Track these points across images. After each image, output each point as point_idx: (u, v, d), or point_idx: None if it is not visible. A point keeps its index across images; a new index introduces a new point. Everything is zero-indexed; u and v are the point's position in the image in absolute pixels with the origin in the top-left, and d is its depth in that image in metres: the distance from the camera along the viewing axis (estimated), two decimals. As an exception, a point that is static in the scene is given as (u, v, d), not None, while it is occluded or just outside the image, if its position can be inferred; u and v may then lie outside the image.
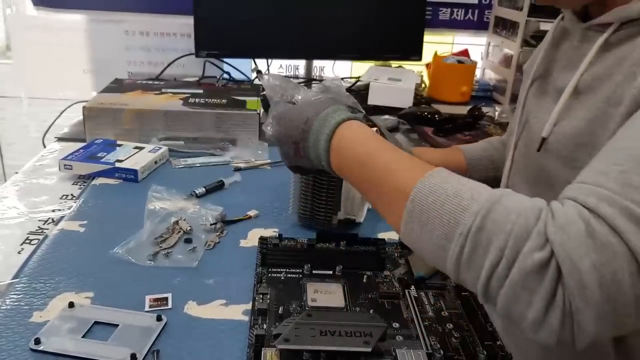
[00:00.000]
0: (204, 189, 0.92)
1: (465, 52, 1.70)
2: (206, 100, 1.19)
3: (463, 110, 1.42)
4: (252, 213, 0.86)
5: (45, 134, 1.24)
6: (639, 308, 0.41)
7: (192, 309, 0.63)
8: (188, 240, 0.77)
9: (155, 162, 1.02)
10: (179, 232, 0.78)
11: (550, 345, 0.43)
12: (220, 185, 0.94)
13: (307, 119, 0.62)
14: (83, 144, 1.05)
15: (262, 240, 0.73)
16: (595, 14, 0.64)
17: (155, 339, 0.58)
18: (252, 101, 1.20)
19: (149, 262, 0.71)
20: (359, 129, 0.61)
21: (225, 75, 1.50)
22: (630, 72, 0.55)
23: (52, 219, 0.82)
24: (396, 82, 1.48)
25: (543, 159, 0.65)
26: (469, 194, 0.46)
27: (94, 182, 0.95)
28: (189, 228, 0.79)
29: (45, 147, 1.15)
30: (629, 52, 0.57)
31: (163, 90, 1.26)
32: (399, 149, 0.58)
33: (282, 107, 0.69)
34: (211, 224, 0.81)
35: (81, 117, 1.12)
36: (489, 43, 1.75)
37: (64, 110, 1.33)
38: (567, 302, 0.41)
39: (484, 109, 1.39)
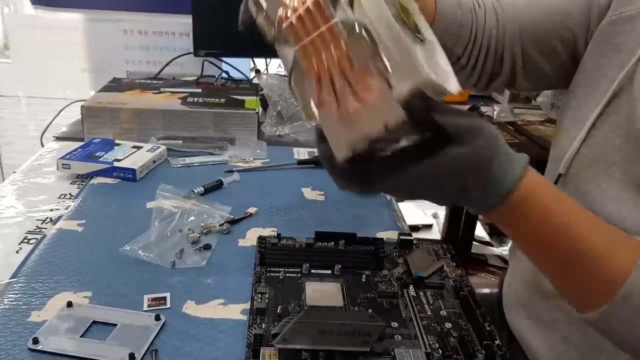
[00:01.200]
0: (202, 189, 0.91)
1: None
2: (205, 99, 1.19)
3: (462, 109, 1.42)
4: (252, 210, 0.86)
5: (43, 133, 1.24)
6: None
7: (191, 308, 0.63)
8: (196, 241, 0.76)
9: (154, 162, 1.01)
10: (188, 232, 0.78)
11: None
12: (219, 185, 0.94)
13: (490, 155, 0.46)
14: (81, 143, 1.05)
15: (261, 239, 0.73)
16: None
17: (154, 338, 0.58)
18: (251, 100, 1.20)
19: (159, 261, 0.71)
20: (550, 193, 0.48)
21: (224, 75, 1.49)
22: None
23: (50, 218, 0.82)
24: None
25: None
26: None
27: (92, 181, 0.95)
28: (197, 228, 0.79)
29: (43, 146, 1.15)
30: None
31: (161, 89, 1.26)
32: (592, 215, 0.49)
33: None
34: (220, 225, 0.80)
35: (79, 116, 1.12)
36: (488, 42, 1.74)
37: (62, 109, 1.33)
38: None
39: (483, 108, 1.40)
